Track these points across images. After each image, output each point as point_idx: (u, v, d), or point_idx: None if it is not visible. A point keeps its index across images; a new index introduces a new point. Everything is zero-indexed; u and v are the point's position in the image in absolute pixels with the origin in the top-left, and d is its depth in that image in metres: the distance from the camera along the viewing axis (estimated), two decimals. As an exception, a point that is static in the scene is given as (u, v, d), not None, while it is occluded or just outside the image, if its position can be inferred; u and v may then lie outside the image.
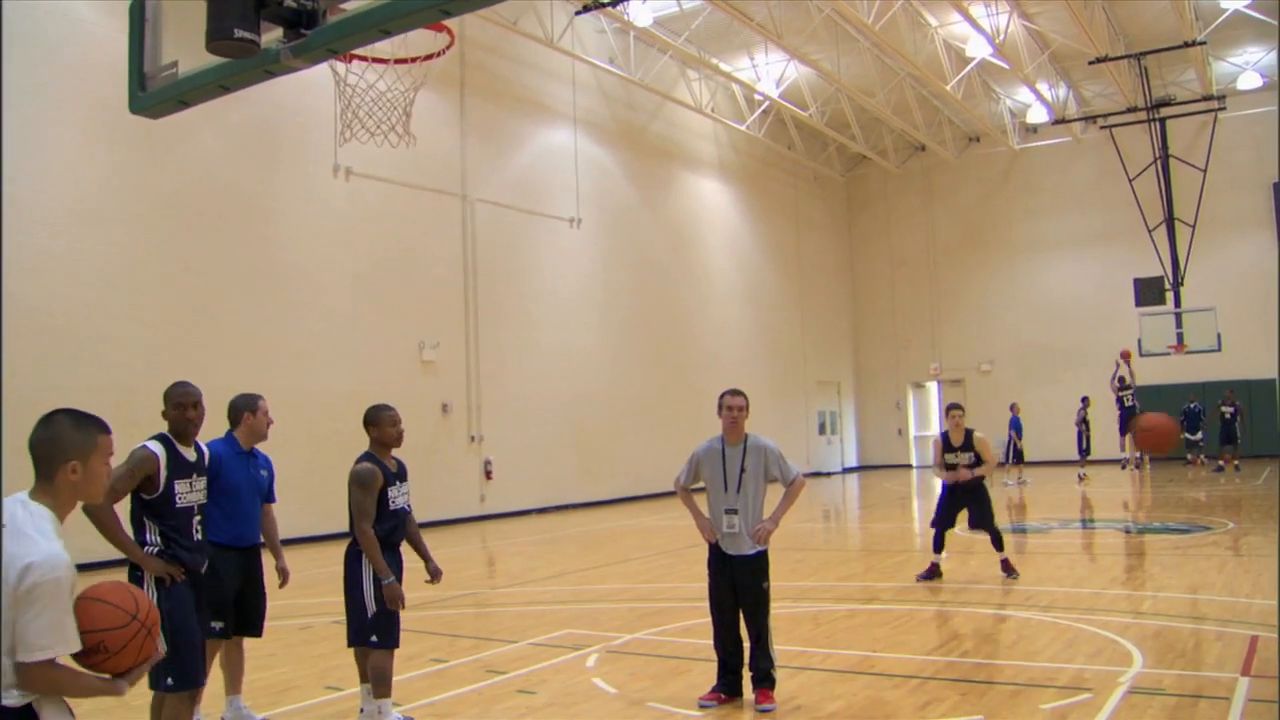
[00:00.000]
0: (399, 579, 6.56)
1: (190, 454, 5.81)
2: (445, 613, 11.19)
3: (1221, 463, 27.96)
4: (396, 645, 6.58)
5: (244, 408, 6.76)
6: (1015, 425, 27.36)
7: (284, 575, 7.11)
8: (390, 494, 6.53)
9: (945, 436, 12.06)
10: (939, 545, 12.05)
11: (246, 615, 6.69)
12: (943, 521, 12.08)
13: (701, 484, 7.26)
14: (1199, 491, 22.81)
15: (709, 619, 7.18)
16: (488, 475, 22.46)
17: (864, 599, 11.11)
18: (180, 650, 5.40)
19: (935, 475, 12.27)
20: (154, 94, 4.82)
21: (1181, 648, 8.33)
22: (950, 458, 11.95)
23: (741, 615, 7.05)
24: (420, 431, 21.02)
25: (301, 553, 16.32)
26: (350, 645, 6.61)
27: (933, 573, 11.89)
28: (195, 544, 5.72)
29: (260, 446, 6.90)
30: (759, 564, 7.05)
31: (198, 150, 17.70)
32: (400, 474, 6.69)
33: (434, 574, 6.86)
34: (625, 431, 26.48)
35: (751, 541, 7.00)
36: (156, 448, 5.66)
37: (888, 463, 38.44)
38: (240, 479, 6.61)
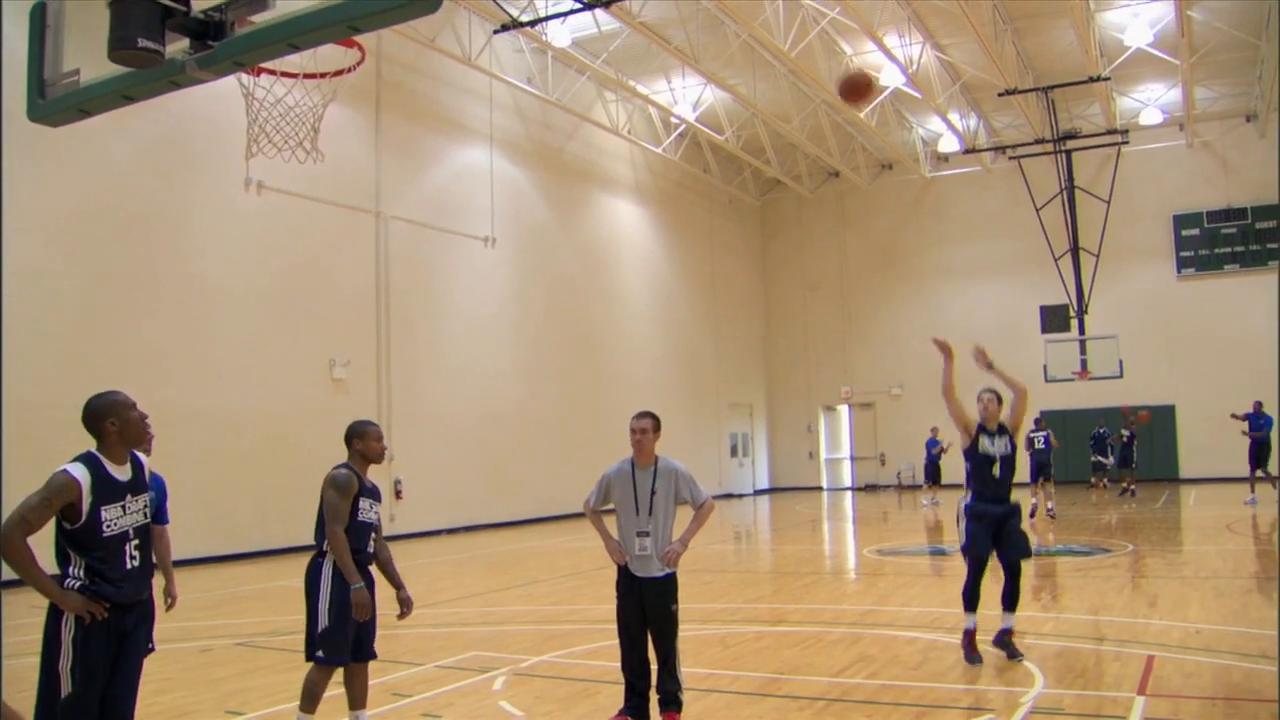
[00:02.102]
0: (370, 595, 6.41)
1: (124, 472, 5.11)
2: (351, 634, 11.01)
3: (1126, 486, 28.60)
4: (344, 663, 6.42)
5: None
6: (933, 446, 28.14)
7: (172, 600, 6.91)
8: (361, 504, 6.42)
9: (981, 427, 9.25)
10: (972, 601, 8.88)
11: None
12: (976, 555, 8.97)
13: (611, 506, 7.24)
14: (1102, 514, 23.29)
15: (616, 641, 7.15)
16: (397, 494, 22.20)
17: (772, 621, 11.15)
18: (80, 695, 4.88)
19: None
20: (54, 102, 4.70)
21: (1081, 667, 8.48)
22: (986, 443, 9.10)
23: (650, 637, 7.05)
24: (330, 450, 20.64)
25: (201, 573, 15.99)
26: (307, 659, 6.40)
27: (971, 648, 8.76)
28: (126, 573, 5.03)
29: (161, 464, 6.66)
30: (668, 586, 7.03)
31: (105, 161, 17.32)
32: (375, 492, 6.57)
33: (404, 603, 6.64)
34: (536, 452, 26.37)
35: (661, 564, 7.00)
36: (79, 472, 4.93)
37: (799, 485, 38.75)
38: None
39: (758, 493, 37.71)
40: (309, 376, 20.45)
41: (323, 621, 6.29)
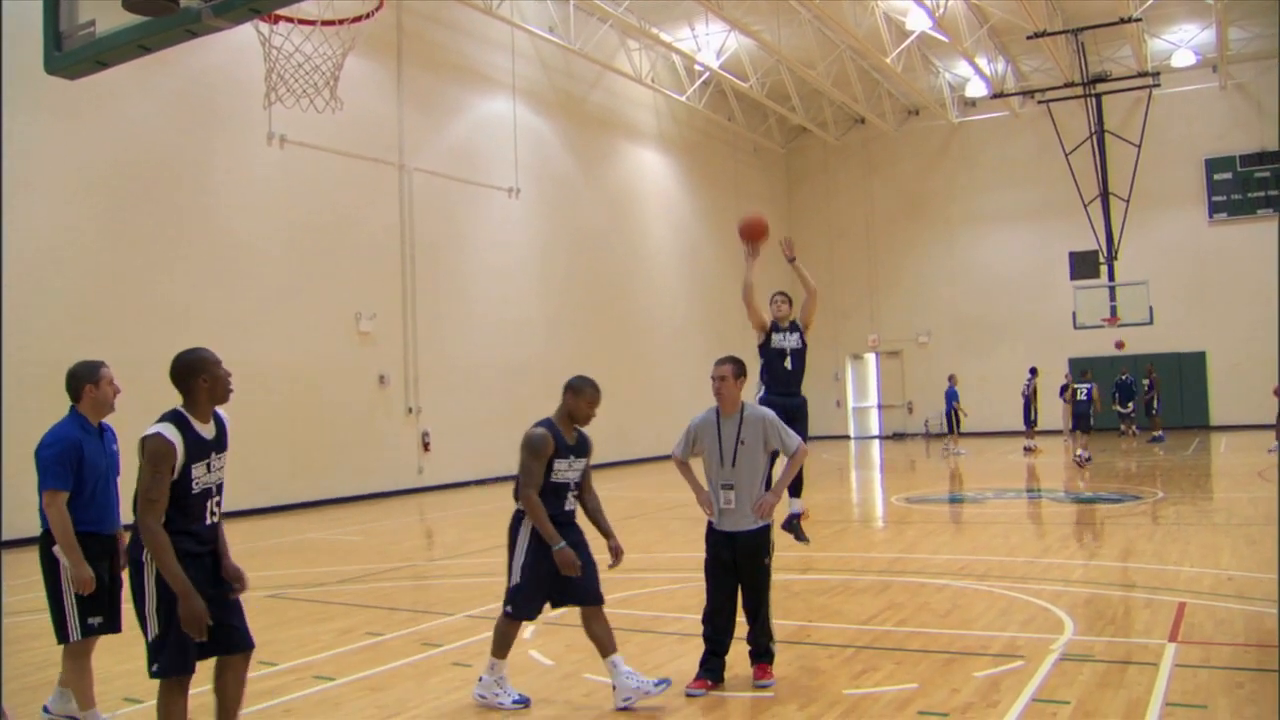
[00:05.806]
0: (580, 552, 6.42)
1: (209, 430, 5.27)
2: (382, 585, 11.11)
3: (1157, 433, 28.38)
4: (530, 618, 6.51)
5: (84, 378, 5.99)
6: (952, 395, 27.90)
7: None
8: (557, 465, 6.36)
9: (774, 325, 10.19)
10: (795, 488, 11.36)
11: (112, 609, 6.00)
12: None
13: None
14: (1130, 461, 23.17)
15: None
16: (425, 447, 22.29)
17: (801, 568, 11.14)
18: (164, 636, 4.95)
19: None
20: (70, 54, 4.67)
21: (1111, 615, 8.44)
22: (778, 338, 10.05)
23: (740, 592, 6.79)
24: (357, 403, 20.82)
25: (231, 528, 16.05)
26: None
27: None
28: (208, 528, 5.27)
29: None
30: (760, 540, 6.74)
31: (127, 116, 17.29)
32: (578, 449, 6.52)
33: (614, 553, 6.63)
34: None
35: (752, 516, 6.69)
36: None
37: (826, 434, 38.67)
38: (98, 460, 5.94)
39: (785, 442, 37.60)
40: (335, 330, 20.48)
41: (514, 578, 6.37)
